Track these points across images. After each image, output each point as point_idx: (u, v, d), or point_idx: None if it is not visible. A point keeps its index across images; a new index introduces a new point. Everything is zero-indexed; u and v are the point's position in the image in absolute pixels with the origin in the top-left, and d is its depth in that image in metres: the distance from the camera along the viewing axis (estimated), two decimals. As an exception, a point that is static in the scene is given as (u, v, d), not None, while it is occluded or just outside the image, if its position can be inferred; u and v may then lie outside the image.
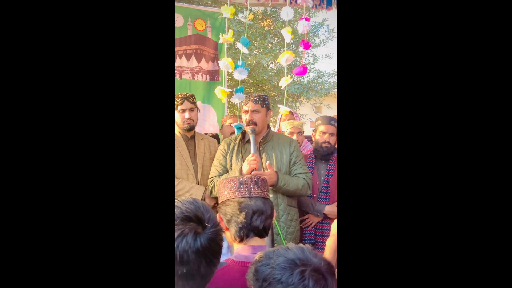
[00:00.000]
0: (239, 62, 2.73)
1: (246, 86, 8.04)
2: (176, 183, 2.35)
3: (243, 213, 1.26)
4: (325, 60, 7.93)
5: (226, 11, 2.73)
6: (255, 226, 1.27)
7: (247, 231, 1.27)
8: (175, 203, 0.88)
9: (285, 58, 2.66)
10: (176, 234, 0.82)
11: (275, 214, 1.37)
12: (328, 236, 2.26)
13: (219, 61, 2.81)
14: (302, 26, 2.67)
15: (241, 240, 1.28)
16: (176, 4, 4.94)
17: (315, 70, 8.00)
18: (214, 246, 0.87)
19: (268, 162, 2.25)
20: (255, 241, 1.29)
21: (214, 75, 4.31)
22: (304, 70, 2.71)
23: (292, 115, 3.22)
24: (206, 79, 4.42)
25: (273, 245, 2.16)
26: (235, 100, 2.70)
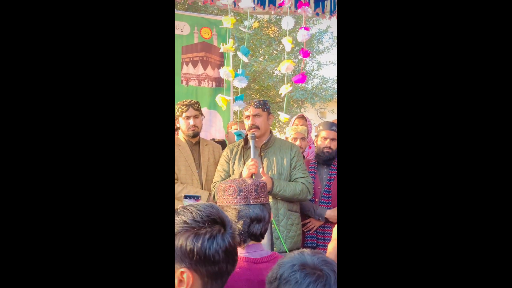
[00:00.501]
0: (239, 71, 2.81)
1: (251, 92, 8.12)
2: (181, 188, 2.42)
3: (241, 221, 1.28)
4: (329, 66, 8.00)
5: (227, 22, 2.83)
6: (253, 233, 1.30)
7: (244, 238, 1.30)
8: (195, 208, 0.93)
9: (285, 66, 2.73)
10: (206, 237, 0.88)
11: (272, 216, 1.41)
12: (329, 240, 2.30)
13: (220, 70, 2.89)
14: (301, 35, 2.75)
15: (239, 245, 1.31)
16: (183, 13, 5.05)
17: (320, 76, 8.07)
18: (235, 245, 0.95)
19: (261, 169, 2.29)
20: (252, 242, 1.33)
21: (220, 81, 4.39)
22: (303, 78, 2.78)
23: (305, 120, 3.26)
24: (212, 85, 4.51)
25: (272, 249, 2.21)
26: (236, 107, 2.77)
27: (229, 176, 2.43)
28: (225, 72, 2.80)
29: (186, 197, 1.35)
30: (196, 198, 1.37)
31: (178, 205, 1.32)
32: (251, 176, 2.22)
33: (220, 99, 2.93)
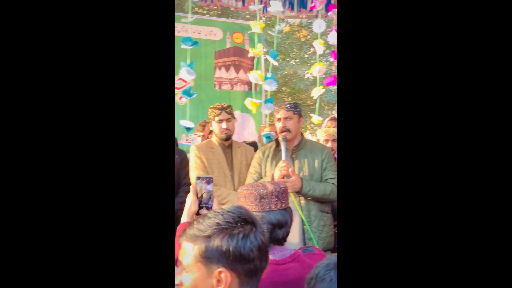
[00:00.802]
0: (269, 74, 2.85)
1: (283, 95, 8.15)
2: (214, 189, 2.48)
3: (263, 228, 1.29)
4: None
5: (256, 26, 2.89)
6: (276, 238, 1.31)
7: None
8: (226, 211, 0.97)
9: (317, 69, 2.75)
10: (240, 236, 0.93)
11: (293, 219, 1.36)
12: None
13: (248, 74, 2.94)
14: (333, 37, 2.76)
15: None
16: (216, 18, 5.18)
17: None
18: (266, 242, 0.99)
19: (291, 169, 2.29)
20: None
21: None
22: (334, 80, 2.78)
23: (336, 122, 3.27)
24: (244, 89, 4.60)
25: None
26: (265, 110, 2.80)
27: (261, 177, 2.47)
28: (254, 76, 2.85)
29: (198, 178, 1.40)
30: (208, 179, 1.42)
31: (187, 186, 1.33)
32: (283, 178, 2.26)
33: (249, 102, 2.98)
